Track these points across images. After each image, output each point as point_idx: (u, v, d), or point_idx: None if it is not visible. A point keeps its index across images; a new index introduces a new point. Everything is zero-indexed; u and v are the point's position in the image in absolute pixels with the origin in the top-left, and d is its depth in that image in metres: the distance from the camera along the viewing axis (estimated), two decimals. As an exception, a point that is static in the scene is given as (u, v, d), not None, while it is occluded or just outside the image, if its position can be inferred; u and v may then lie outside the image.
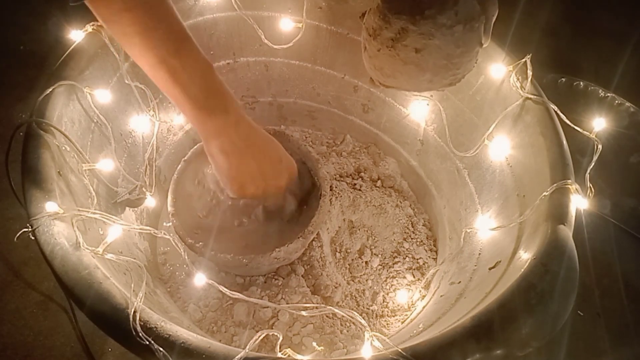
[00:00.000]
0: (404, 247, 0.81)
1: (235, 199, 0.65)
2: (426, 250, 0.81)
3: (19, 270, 0.81)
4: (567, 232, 0.46)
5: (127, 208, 0.64)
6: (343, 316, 0.68)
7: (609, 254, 0.90)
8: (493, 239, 0.60)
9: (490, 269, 0.56)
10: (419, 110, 0.77)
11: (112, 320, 0.39)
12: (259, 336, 0.41)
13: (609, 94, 1.07)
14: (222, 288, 0.48)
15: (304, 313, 0.48)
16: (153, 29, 0.45)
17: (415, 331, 0.59)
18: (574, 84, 1.11)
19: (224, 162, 0.55)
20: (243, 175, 0.57)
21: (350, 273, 0.77)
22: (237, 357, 0.37)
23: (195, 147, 0.72)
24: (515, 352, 0.39)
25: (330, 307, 0.47)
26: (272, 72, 0.85)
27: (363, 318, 0.47)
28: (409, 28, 0.44)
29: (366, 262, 0.79)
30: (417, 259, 0.79)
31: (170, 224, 0.64)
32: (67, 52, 0.58)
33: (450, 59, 0.46)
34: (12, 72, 1.07)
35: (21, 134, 0.50)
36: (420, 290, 0.75)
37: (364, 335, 0.40)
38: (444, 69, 0.47)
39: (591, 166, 0.53)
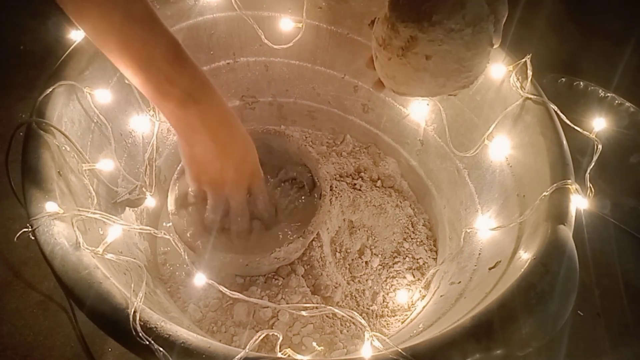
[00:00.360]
0: (404, 247, 0.81)
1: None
2: (426, 250, 0.81)
3: (19, 270, 0.81)
4: (567, 232, 0.46)
5: (127, 208, 0.64)
6: (343, 316, 0.68)
7: (609, 254, 0.90)
8: (493, 239, 0.60)
9: (490, 269, 0.56)
10: (419, 110, 0.77)
11: (112, 320, 0.39)
12: (259, 336, 0.41)
13: (609, 94, 1.07)
14: (222, 288, 0.48)
15: (304, 313, 0.48)
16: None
17: (415, 331, 0.59)
18: (574, 84, 1.11)
19: (181, 140, 0.54)
20: (198, 159, 0.55)
21: (350, 273, 0.77)
22: (237, 357, 0.37)
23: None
24: (515, 352, 0.39)
25: (330, 307, 0.47)
26: (272, 72, 0.85)
27: (363, 318, 0.47)
28: (417, 36, 0.44)
29: (366, 262, 0.79)
30: (417, 259, 0.79)
31: (170, 223, 0.65)
32: (67, 52, 0.58)
33: (462, 62, 0.46)
34: (12, 72, 1.07)
35: (21, 134, 0.50)
36: (420, 290, 0.75)
37: (364, 335, 0.40)
38: (456, 72, 0.47)
39: (591, 166, 0.53)
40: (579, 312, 0.84)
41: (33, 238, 0.43)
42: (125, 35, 0.44)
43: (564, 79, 1.12)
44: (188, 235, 0.63)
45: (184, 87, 0.48)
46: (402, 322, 0.72)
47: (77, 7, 0.43)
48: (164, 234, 0.54)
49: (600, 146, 0.54)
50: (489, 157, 0.65)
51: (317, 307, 0.48)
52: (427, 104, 0.75)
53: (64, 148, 0.52)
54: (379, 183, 0.88)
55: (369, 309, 0.74)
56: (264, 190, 0.65)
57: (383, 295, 0.75)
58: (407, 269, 0.78)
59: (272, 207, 0.69)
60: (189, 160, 0.56)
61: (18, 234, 0.43)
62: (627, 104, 1.05)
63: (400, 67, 0.47)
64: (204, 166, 0.56)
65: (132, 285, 0.45)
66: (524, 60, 0.59)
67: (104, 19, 0.43)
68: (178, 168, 0.69)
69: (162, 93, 0.48)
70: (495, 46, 0.48)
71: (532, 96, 0.58)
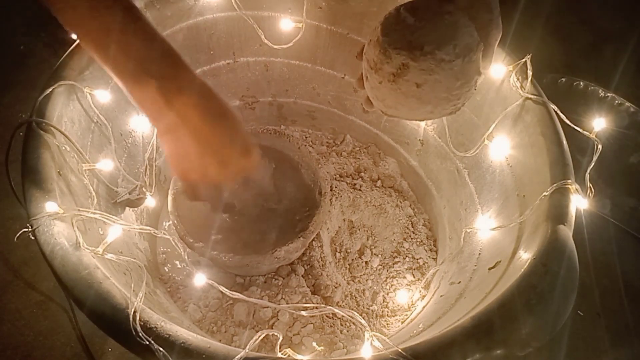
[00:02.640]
0: (404, 247, 0.81)
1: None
2: (426, 250, 0.81)
3: (19, 270, 0.81)
4: (567, 232, 0.46)
5: (127, 208, 0.64)
6: (343, 316, 0.68)
7: (609, 254, 0.90)
8: (493, 239, 0.60)
9: (490, 269, 0.56)
10: (419, 110, 0.77)
11: (112, 320, 0.39)
12: (259, 336, 0.41)
13: (609, 94, 1.07)
14: (222, 288, 0.48)
15: (304, 313, 0.48)
16: None
17: (415, 331, 0.59)
18: (574, 84, 1.11)
19: (157, 129, 0.48)
20: (174, 150, 0.48)
21: (350, 273, 0.77)
22: (237, 357, 0.37)
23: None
24: (515, 352, 0.39)
25: (330, 307, 0.47)
26: (272, 72, 0.85)
27: (363, 318, 0.47)
28: (409, 64, 0.45)
29: (366, 262, 0.79)
30: (417, 259, 0.79)
31: (170, 223, 0.65)
32: (67, 52, 0.58)
33: (450, 92, 0.47)
34: (12, 72, 1.07)
35: (21, 134, 0.50)
36: (420, 290, 0.75)
37: (364, 335, 0.40)
38: (444, 100, 0.48)
39: (591, 166, 0.53)
40: (579, 312, 0.84)
41: (33, 238, 0.43)
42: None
43: (564, 79, 1.12)
44: (188, 235, 0.63)
45: (139, 57, 0.42)
46: (402, 322, 0.72)
47: None
48: (164, 234, 0.54)
49: (600, 146, 0.54)
50: (489, 157, 0.65)
51: (317, 307, 0.48)
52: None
53: (64, 148, 0.52)
54: (379, 183, 0.88)
55: (369, 309, 0.74)
56: (264, 177, 0.63)
57: (383, 295, 0.75)
58: (407, 269, 0.78)
59: (275, 193, 0.69)
60: (166, 152, 0.50)
61: (18, 234, 0.43)
62: (627, 104, 1.05)
63: (390, 91, 0.48)
64: (182, 160, 0.49)
65: (132, 285, 0.45)
66: (524, 60, 0.59)
67: None
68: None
69: (117, 67, 0.42)
70: (483, 74, 0.49)
71: (532, 96, 0.58)
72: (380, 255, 0.80)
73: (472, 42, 0.45)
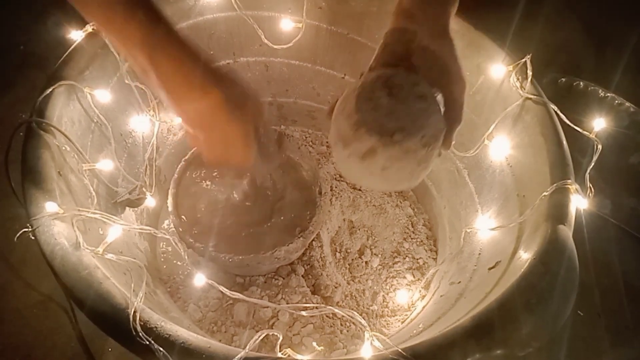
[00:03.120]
0: (404, 247, 0.81)
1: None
2: (426, 250, 0.81)
3: (19, 270, 0.80)
4: (567, 232, 0.46)
5: (127, 208, 0.64)
6: (343, 316, 0.68)
7: (609, 254, 0.90)
8: (493, 239, 0.60)
9: (490, 269, 0.56)
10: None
11: (112, 320, 0.39)
12: (259, 336, 0.41)
13: (609, 94, 1.07)
14: (222, 288, 0.48)
15: (304, 313, 0.48)
16: None
17: (415, 331, 0.59)
18: (574, 84, 1.11)
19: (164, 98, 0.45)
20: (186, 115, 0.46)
21: (350, 273, 0.77)
22: (237, 357, 0.37)
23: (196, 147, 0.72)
24: (515, 352, 0.39)
25: (330, 307, 0.47)
26: (272, 72, 0.85)
27: (363, 318, 0.47)
28: (377, 150, 0.46)
29: (366, 262, 0.79)
30: (417, 259, 0.79)
31: (171, 223, 0.65)
32: (67, 52, 0.58)
33: (412, 174, 0.49)
34: (12, 72, 1.07)
35: (21, 134, 0.50)
36: (420, 290, 0.75)
37: (364, 335, 0.40)
38: (405, 181, 0.50)
39: (591, 166, 0.53)
40: (579, 312, 0.84)
41: (33, 238, 0.43)
42: None
43: (564, 79, 1.11)
44: (188, 235, 0.63)
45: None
46: (402, 322, 0.72)
47: None
48: (164, 234, 0.54)
49: (600, 146, 0.54)
50: (489, 157, 0.65)
51: (317, 307, 0.48)
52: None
53: (64, 148, 0.52)
54: (379, 183, 0.88)
55: (369, 309, 0.74)
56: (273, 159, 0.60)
57: (383, 295, 0.75)
58: (407, 269, 0.78)
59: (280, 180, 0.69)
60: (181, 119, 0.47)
61: (18, 234, 0.43)
62: (627, 104, 1.04)
63: (356, 165, 0.49)
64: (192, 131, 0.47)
65: (132, 285, 0.45)
66: (524, 60, 0.59)
67: None
68: (178, 168, 0.69)
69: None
70: (441, 155, 0.51)
71: (532, 96, 0.58)
72: (380, 255, 0.80)
73: (439, 131, 0.47)
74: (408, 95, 0.47)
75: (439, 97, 0.50)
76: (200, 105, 0.45)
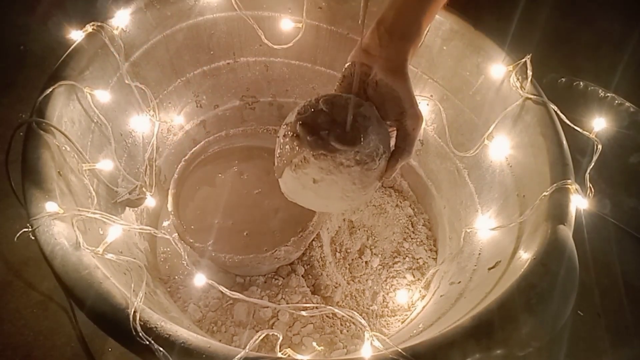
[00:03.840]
0: (404, 247, 0.81)
1: None
2: (426, 250, 0.81)
3: (19, 270, 0.80)
4: (567, 232, 0.46)
5: (127, 208, 0.64)
6: (343, 316, 0.68)
7: (609, 254, 0.90)
8: (493, 239, 0.60)
9: (490, 269, 0.56)
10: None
11: (112, 320, 0.39)
12: (259, 336, 0.41)
13: (609, 94, 1.07)
14: (222, 288, 0.48)
15: (304, 313, 0.48)
16: None
17: (415, 331, 0.59)
18: (574, 84, 1.11)
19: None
20: None
21: (350, 273, 0.77)
22: (237, 357, 0.37)
23: (195, 147, 0.72)
24: (515, 352, 0.39)
25: (330, 307, 0.47)
26: (272, 72, 0.85)
27: (363, 318, 0.47)
28: (310, 160, 0.47)
29: (366, 262, 0.79)
30: (417, 259, 0.79)
31: (170, 223, 0.65)
32: (67, 52, 0.58)
33: (346, 193, 0.49)
34: (12, 72, 1.07)
35: (21, 134, 0.50)
36: (420, 290, 0.75)
37: (364, 335, 0.40)
38: (339, 199, 0.50)
39: (591, 166, 0.53)
40: (579, 312, 0.84)
41: (33, 238, 0.43)
42: None
43: (564, 79, 1.12)
44: (188, 235, 0.63)
45: None
46: (402, 322, 0.72)
47: None
48: (164, 234, 0.54)
49: (600, 146, 0.54)
50: (489, 157, 0.65)
51: (317, 307, 0.48)
52: (427, 104, 0.75)
53: (64, 148, 0.52)
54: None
55: (369, 309, 0.74)
56: None
57: (383, 295, 0.75)
58: (407, 269, 0.78)
59: None
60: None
61: (18, 234, 0.43)
62: (627, 104, 1.05)
63: (291, 178, 0.50)
64: None
65: (132, 285, 0.45)
66: (524, 60, 0.59)
67: None
68: (178, 168, 0.69)
69: None
70: (385, 180, 0.51)
71: (532, 96, 0.58)
72: (380, 255, 0.80)
73: (376, 151, 0.47)
74: (347, 113, 0.47)
75: (392, 131, 0.51)
76: None
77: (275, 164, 0.52)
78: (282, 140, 0.50)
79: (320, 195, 0.49)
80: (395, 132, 0.51)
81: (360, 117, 0.47)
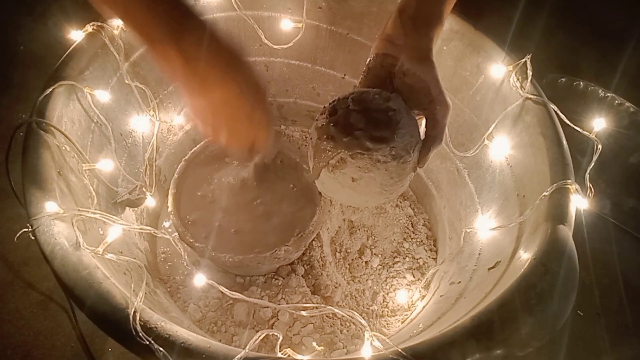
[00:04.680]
0: (404, 247, 0.81)
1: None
2: (426, 250, 0.81)
3: (19, 270, 0.80)
4: (567, 232, 0.46)
5: (127, 208, 0.64)
6: (343, 316, 0.68)
7: (609, 254, 0.90)
8: (493, 239, 0.60)
9: (490, 269, 0.56)
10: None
11: (112, 320, 0.39)
12: (259, 336, 0.41)
13: (609, 94, 1.07)
14: (222, 288, 0.48)
15: (304, 313, 0.48)
16: None
17: (415, 331, 0.59)
18: (574, 84, 1.11)
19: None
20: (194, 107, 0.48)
21: (350, 273, 0.77)
22: (237, 357, 0.37)
23: (195, 147, 0.72)
24: (515, 352, 0.39)
25: (330, 307, 0.47)
26: (272, 72, 0.85)
27: (363, 318, 0.47)
28: (347, 160, 0.47)
29: (366, 262, 0.79)
30: (417, 259, 0.79)
31: (170, 223, 0.64)
32: (67, 52, 0.58)
33: (384, 187, 0.49)
34: (12, 72, 1.07)
35: (21, 134, 0.50)
36: (420, 290, 0.75)
37: (364, 335, 0.40)
38: (378, 194, 0.51)
39: (591, 166, 0.53)
40: (579, 312, 0.84)
41: (33, 238, 0.43)
42: None
43: (564, 79, 1.12)
44: (188, 235, 0.63)
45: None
46: (402, 322, 0.72)
47: None
48: (164, 234, 0.54)
49: (600, 146, 0.54)
50: (489, 157, 0.65)
51: (317, 307, 0.48)
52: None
53: (64, 148, 0.52)
54: (379, 183, 0.88)
55: (369, 309, 0.74)
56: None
57: (383, 295, 0.75)
58: (407, 269, 0.78)
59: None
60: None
61: (18, 234, 0.43)
62: (627, 104, 1.05)
63: (328, 178, 0.50)
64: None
65: (132, 285, 0.45)
66: (524, 60, 0.60)
67: None
68: (178, 168, 0.69)
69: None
70: (419, 169, 0.52)
71: (532, 96, 0.58)
72: (380, 255, 0.80)
73: (410, 144, 0.48)
74: (378, 108, 0.48)
75: (422, 119, 0.51)
76: (225, 90, 0.47)
77: (311, 166, 0.52)
78: (315, 143, 0.50)
79: (359, 192, 0.50)
80: (422, 119, 0.51)
81: (390, 111, 0.47)
